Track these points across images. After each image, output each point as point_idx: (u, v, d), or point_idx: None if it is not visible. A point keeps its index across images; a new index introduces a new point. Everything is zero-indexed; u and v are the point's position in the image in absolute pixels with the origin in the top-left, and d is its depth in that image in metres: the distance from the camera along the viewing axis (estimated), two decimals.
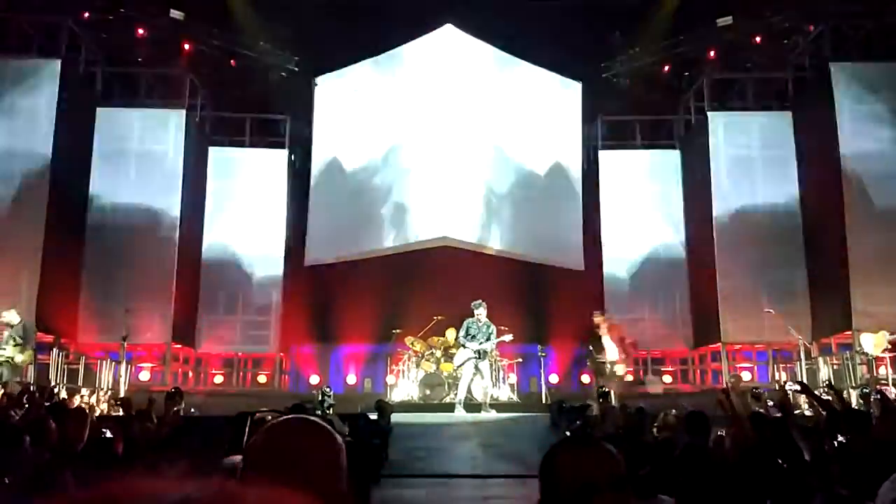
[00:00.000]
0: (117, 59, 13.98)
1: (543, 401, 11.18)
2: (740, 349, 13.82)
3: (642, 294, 14.95)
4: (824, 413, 5.96)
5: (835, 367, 11.99)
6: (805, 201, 13.66)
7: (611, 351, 10.76)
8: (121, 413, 8.24)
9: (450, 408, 10.85)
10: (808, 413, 8.68)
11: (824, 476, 4.05)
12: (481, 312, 10.77)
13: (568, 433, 7.47)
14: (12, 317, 10.59)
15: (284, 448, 1.33)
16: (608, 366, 10.72)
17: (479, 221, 13.89)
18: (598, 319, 10.98)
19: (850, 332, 11.90)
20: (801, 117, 13.80)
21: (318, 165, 15.26)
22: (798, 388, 8.70)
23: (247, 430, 3.70)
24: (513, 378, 12.80)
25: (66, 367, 12.17)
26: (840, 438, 4.90)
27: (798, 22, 13.62)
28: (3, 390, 9.20)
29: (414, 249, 13.50)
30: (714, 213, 13.83)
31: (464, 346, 10.82)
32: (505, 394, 12.33)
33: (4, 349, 10.31)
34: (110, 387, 11.85)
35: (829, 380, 10.27)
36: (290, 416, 1.45)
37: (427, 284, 13.28)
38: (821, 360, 12.24)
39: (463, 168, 13.64)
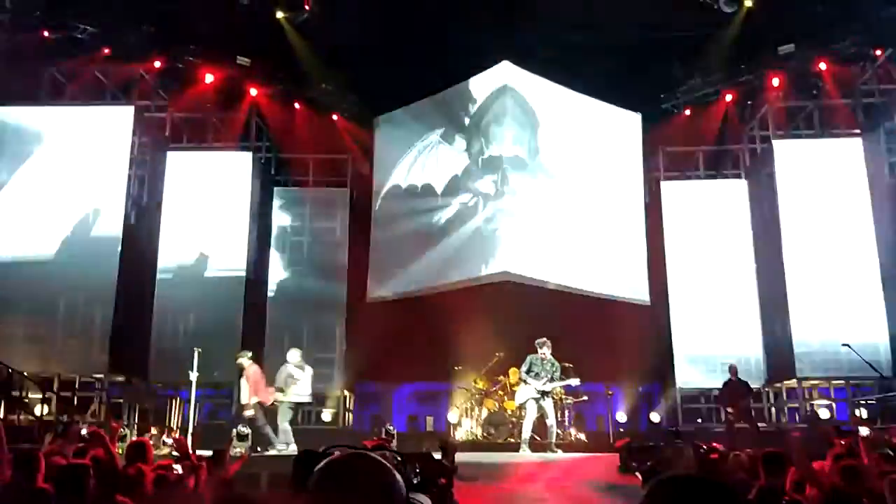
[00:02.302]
0: (186, 105, 14.42)
1: (611, 441, 10.92)
2: (816, 385, 13.29)
3: (710, 328, 14.53)
4: None
5: None
6: (879, 230, 13.18)
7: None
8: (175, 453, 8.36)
9: (514, 447, 10.68)
10: None
11: None
12: (545, 352, 10.60)
13: (639, 475, 7.24)
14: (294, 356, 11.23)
15: (344, 482, 1.31)
16: None
17: (540, 256, 13.78)
18: None
19: None
20: (871, 143, 13.39)
21: (379, 203, 15.42)
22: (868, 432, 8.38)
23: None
24: (578, 418, 12.57)
25: (137, 406, 12.46)
26: None
27: (863, 47, 13.29)
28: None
29: (475, 285, 13.44)
30: (783, 243, 13.42)
31: (525, 382, 10.62)
32: (571, 434, 12.10)
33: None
34: (179, 425, 12.07)
35: None
36: (350, 452, 1.43)
37: (488, 321, 13.18)
38: None
39: (523, 202, 13.61)
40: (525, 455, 10.09)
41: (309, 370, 11.25)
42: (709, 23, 13.43)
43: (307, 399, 11.34)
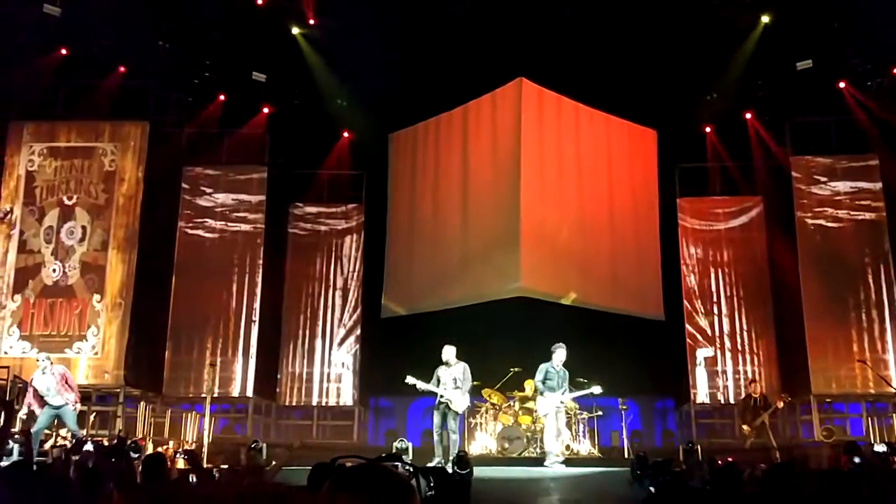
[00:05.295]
0: (201, 120, 14.53)
1: (625, 455, 10.88)
2: (832, 401, 13.21)
3: (725, 343, 14.50)
4: None
5: None
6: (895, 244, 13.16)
7: None
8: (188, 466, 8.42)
9: (529, 461, 10.64)
10: None
11: None
12: (561, 356, 10.52)
13: (652, 489, 7.21)
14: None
15: (357, 494, 1.33)
16: None
17: (555, 272, 13.76)
18: None
19: None
20: (888, 160, 13.36)
21: (393, 219, 15.47)
22: (886, 448, 8.39)
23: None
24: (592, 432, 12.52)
25: (153, 419, 12.55)
26: None
27: (879, 63, 13.25)
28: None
29: (490, 300, 13.44)
30: (800, 260, 13.43)
31: (542, 393, 10.56)
32: (585, 448, 12.07)
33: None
34: (195, 439, 12.12)
35: None
36: (362, 464, 1.46)
37: (503, 336, 13.18)
38: None
39: (538, 218, 13.59)
40: (540, 469, 10.04)
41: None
42: (726, 39, 13.43)
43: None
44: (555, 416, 10.38)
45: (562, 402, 10.50)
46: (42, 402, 9.88)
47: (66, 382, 10.00)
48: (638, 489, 7.90)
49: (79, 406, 10.18)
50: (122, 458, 7.36)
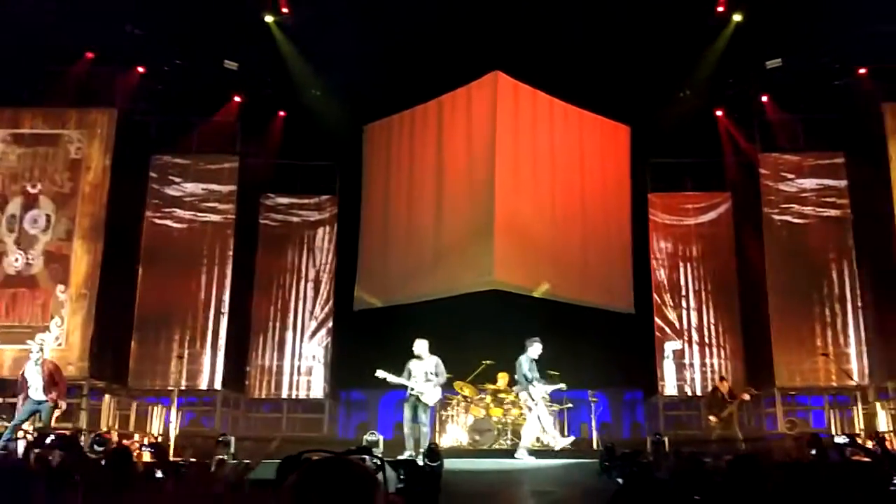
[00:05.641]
0: (170, 108, 14.28)
1: (595, 447, 10.98)
2: (796, 394, 13.45)
3: (693, 337, 14.71)
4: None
5: (893, 412, 11.67)
6: (859, 240, 13.40)
7: None
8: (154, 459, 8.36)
9: (502, 454, 10.73)
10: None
11: None
12: (538, 349, 10.59)
13: (620, 480, 7.28)
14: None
15: (322, 487, 1.32)
16: None
17: (528, 265, 13.78)
18: None
19: None
20: (854, 158, 13.60)
21: (367, 211, 15.39)
22: (847, 440, 8.61)
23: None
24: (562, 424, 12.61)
25: (118, 412, 12.42)
26: None
27: (847, 63, 13.43)
28: None
29: (462, 293, 13.44)
30: (766, 256, 13.65)
31: (532, 383, 10.47)
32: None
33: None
34: (161, 432, 12.01)
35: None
36: (327, 457, 1.45)
37: (475, 328, 13.20)
38: (878, 404, 11.94)
39: (512, 211, 13.61)
40: (509, 461, 10.11)
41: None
42: (698, 37, 13.54)
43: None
44: (544, 405, 10.55)
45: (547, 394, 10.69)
46: (27, 394, 9.73)
47: (53, 379, 9.81)
48: (606, 480, 7.98)
49: (63, 404, 9.98)
50: (74, 451, 7.26)
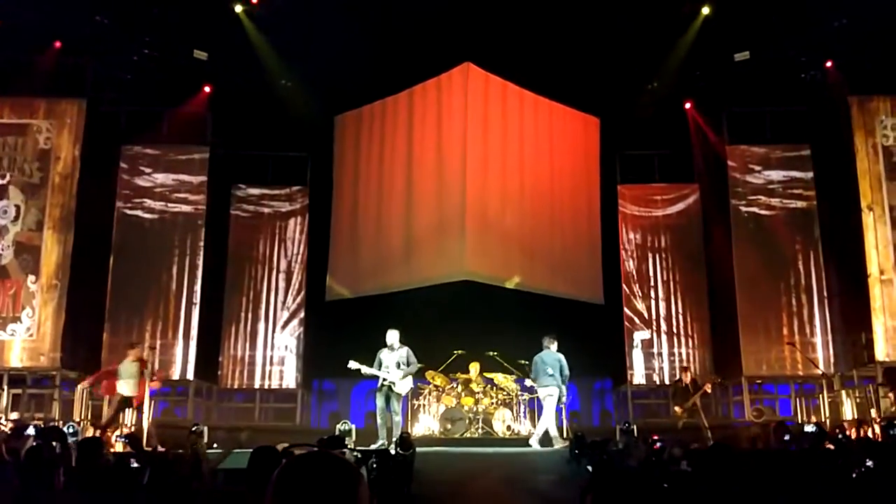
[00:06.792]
0: (140, 99, 14.14)
1: (564, 435, 11.15)
2: (762, 382, 13.71)
3: (662, 327, 14.93)
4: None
5: (858, 400, 11.93)
6: (825, 232, 13.68)
7: None
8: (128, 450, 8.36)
9: (474, 442, 10.89)
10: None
11: None
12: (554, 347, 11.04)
13: (590, 468, 7.42)
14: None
15: (306, 482, 1.36)
16: None
17: (499, 256, 13.90)
18: None
19: (872, 365, 11.88)
20: (820, 150, 13.85)
21: (338, 202, 15.38)
22: (815, 428, 8.85)
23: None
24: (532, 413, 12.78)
25: (90, 403, 12.32)
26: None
27: (815, 56, 13.65)
28: None
29: (434, 284, 13.52)
30: (734, 247, 13.86)
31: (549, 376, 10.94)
32: (526, 428, 12.31)
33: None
34: (134, 422, 11.94)
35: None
36: (310, 451, 1.49)
37: (447, 319, 13.30)
38: (843, 393, 12.20)
39: (483, 203, 13.69)
40: (479, 449, 10.25)
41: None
42: (667, 29, 13.68)
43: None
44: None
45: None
46: None
47: None
48: (576, 468, 8.13)
49: None
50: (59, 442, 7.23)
